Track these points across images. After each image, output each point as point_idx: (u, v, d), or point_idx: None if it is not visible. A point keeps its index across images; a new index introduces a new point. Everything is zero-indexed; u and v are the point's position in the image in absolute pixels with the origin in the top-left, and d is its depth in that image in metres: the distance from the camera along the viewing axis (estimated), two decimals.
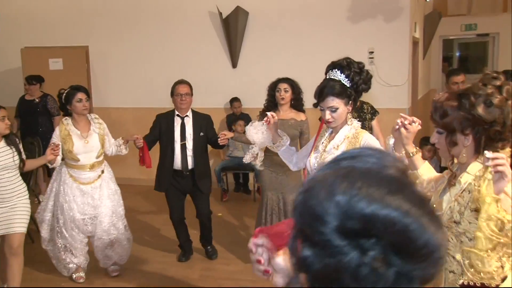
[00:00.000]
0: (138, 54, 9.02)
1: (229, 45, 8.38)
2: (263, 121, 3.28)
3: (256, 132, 3.28)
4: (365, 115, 5.19)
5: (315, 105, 3.09)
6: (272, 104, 5.32)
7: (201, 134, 5.34)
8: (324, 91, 2.97)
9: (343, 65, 2.99)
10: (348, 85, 3.00)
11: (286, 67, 7.91)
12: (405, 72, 8.05)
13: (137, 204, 8.19)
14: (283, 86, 5.29)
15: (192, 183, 5.48)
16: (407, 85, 8.06)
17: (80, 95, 5.04)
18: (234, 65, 8.54)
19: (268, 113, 3.23)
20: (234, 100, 8.43)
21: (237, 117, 8.39)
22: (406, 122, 2.43)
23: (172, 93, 5.38)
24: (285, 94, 5.24)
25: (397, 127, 2.50)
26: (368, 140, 2.98)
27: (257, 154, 3.41)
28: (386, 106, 7.72)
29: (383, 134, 5.13)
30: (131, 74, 9.12)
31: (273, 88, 5.34)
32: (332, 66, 3.05)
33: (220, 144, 5.13)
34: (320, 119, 3.99)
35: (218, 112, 8.55)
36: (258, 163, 3.50)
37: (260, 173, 5.53)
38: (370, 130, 5.17)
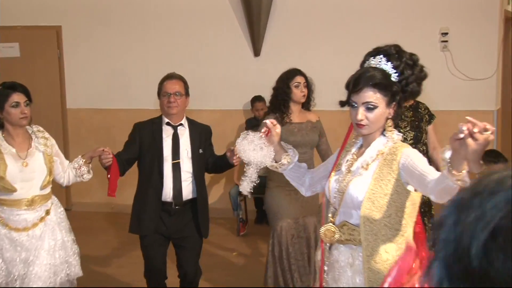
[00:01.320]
0: (129, 39, 7.77)
1: (250, 27, 7.27)
2: (260, 133, 2.64)
3: (254, 148, 2.63)
4: (421, 115, 4.52)
5: (343, 103, 2.53)
6: (280, 102, 4.71)
7: (200, 151, 4.37)
8: (360, 79, 2.42)
9: (391, 52, 2.46)
10: (395, 79, 2.44)
11: (324, 57, 7.03)
12: (492, 61, 6.88)
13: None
14: (302, 80, 4.75)
15: (184, 222, 4.40)
16: (495, 79, 6.91)
17: (17, 97, 3.99)
18: (256, 53, 7.36)
19: (267, 121, 2.65)
20: (256, 100, 7.10)
21: (260, 121, 6.54)
22: (475, 130, 1.85)
23: (159, 93, 4.41)
24: (305, 90, 4.74)
25: (461, 135, 1.89)
26: (411, 157, 2.37)
27: (256, 180, 2.70)
28: (465, 107, 6.70)
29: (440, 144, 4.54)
30: (120, 66, 7.72)
31: (286, 82, 4.72)
32: (376, 52, 2.50)
33: (234, 163, 4.15)
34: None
35: (235, 115, 7.43)
36: (244, 189, 2.71)
37: (269, 193, 4.80)
38: (426, 135, 4.56)
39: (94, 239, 6.73)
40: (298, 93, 4.70)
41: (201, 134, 4.44)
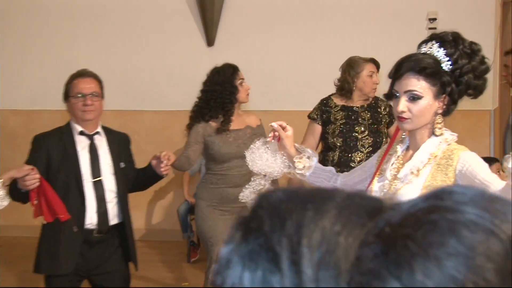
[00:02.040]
0: (70, 27, 7.21)
1: (202, 12, 7.05)
2: (267, 138, 2.63)
3: (260, 157, 2.58)
4: (380, 116, 4.45)
5: (388, 95, 2.44)
6: (222, 106, 4.37)
7: (122, 165, 4.04)
8: (403, 64, 2.34)
9: (446, 38, 2.38)
10: (447, 68, 2.34)
11: (290, 47, 6.79)
12: (488, 52, 5.88)
13: None
14: (242, 75, 4.51)
15: (108, 254, 4.01)
16: (492, 74, 5.78)
17: None
18: (209, 42, 7.11)
19: (274, 124, 2.61)
20: None
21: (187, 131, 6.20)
22: None
23: (67, 94, 4.02)
24: (248, 87, 4.51)
25: None
26: (470, 163, 2.29)
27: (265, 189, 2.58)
28: (457, 107, 5.40)
29: None
30: (55, 58, 7.16)
31: (231, 80, 4.42)
32: (429, 38, 2.43)
33: (162, 173, 3.94)
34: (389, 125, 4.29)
35: (185, 117, 6.27)
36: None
37: (200, 214, 4.49)
38: (387, 139, 4.41)
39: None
40: (244, 91, 4.44)
41: (120, 144, 4.13)
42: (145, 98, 6.89)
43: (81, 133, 3.98)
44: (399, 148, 2.52)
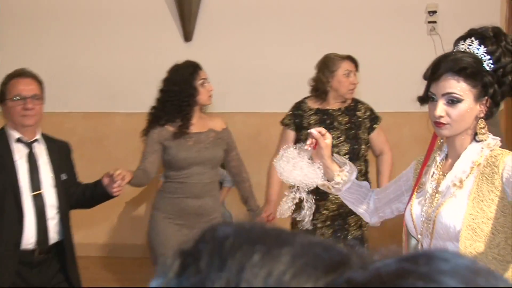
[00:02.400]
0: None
1: (179, 5, 6.71)
2: (305, 145, 2.47)
3: (294, 166, 2.45)
4: (359, 121, 4.22)
5: (422, 99, 2.32)
6: (182, 109, 4.08)
7: (64, 177, 3.77)
8: (441, 64, 2.21)
9: (487, 34, 2.26)
10: (488, 67, 2.22)
11: (274, 43, 6.44)
12: None
13: None
14: (206, 75, 4.22)
15: (50, 276, 3.72)
16: None
17: None
18: (187, 37, 6.75)
19: (313, 130, 2.47)
20: None
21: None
22: None
23: (3, 96, 3.69)
24: (210, 88, 4.24)
25: None
26: None
27: (305, 205, 2.54)
28: None
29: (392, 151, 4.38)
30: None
31: (190, 80, 4.12)
32: (467, 34, 2.30)
33: (113, 193, 3.66)
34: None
35: None
36: (307, 222, 2.59)
37: (153, 226, 4.13)
38: (366, 146, 4.26)
39: None
40: (206, 93, 4.14)
41: (60, 154, 3.87)
42: (115, 99, 6.47)
43: (18, 140, 3.70)
44: (438, 158, 2.39)
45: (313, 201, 2.59)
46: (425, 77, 2.29)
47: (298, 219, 2.68)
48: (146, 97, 6.22)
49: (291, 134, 4.12)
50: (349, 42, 5.73)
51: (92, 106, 6.32)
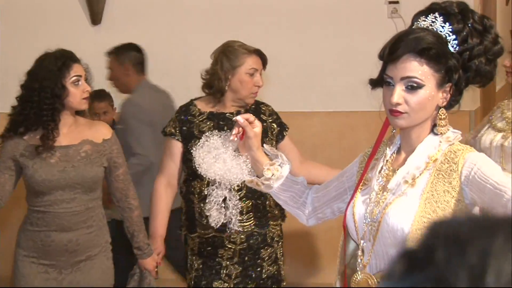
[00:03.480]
0: None
1: None
2: (231, 134, 2.31)
3: (216, 158, 2.35)
4: (265, 125, 3.53)
5: (374, 81, 2.20)
6: (43, 114, 3.35)
7: None
8: (401, 43, 2.08)
9: (451, 11, 2.15)
10: (454, 49, 2.12)
11: (198, 28, 5.80)
12: None
13: None
14: (82, 70, 3.55)
15: None
16: None
17: None
18: (95, 19, 6.08)
19: (239, 117, 2.27)
20: (96, 98, 5.10)
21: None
22: None
23: None
24: (86, 88, 3.61)
25: None
26: (479, 165, 2.07)
27: (229, 204, 2.54)
28: None
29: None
30: None
31: (58, 77, 3.39)
32: (429, 9, 2.20)
33: None
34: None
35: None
36: (234, 223, 2.61)
37: (16, 266, 3.51)
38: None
39: None
40: (79, 94, 3.49)
41: None
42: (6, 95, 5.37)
43: None
44: (388, 151, 2.30)
45: (238, 199, 2.39)
46: (381, 57, 2.14)
47: (223, 221, 2.55)
48: None
49: (177, 146, 3.45)
50: (291, 30, 5.16)
51: None
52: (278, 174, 2.34)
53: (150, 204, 3.59)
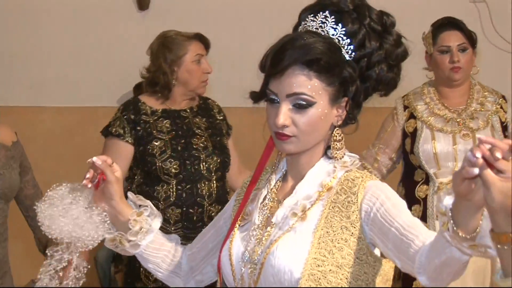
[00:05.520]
0: None
1: None
2: (84, 181, 2.00)
3: (77, 216, 1.99)
4: (216, 123, 3.52)
5: (256, 95, 1.98)
6: None
7: None
8: (285, 52, 1.88)
9: (345, 8, 1.95)
10: (349, 56, 1.93)
11: (252, 14, 5.66)
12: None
13: None
14: None
15: None
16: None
17: None
18: (141, 5, 5.84)
19: (94, 158, 2.01)
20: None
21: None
22: (497, 155, 1.45)
23: None
24: None
25: (474, 171, 1.46)
26: (381, 200, 1.83)
27: (72, 273, 2.04)
28: None
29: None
30: None
31: None
32: (319, 6, 1.98)
33: None
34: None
35: (105, 115, 5.09)
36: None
37: None
38: (223, 156, 3.52)
39: None
40: None
41: None
42: (42, 90, 5.49)
43: None
44: (273, 177, 2.02)
45: (85, 268, 2.09)
46: (262, 68, 1.92)
47: None
48: (88, 87, 5.62)
49: (127, 148, 3.26)
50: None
51: (13, 100, 5.45)
52: (147, 227, 2.04)
53: None
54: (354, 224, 1.82)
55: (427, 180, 3.37)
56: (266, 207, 1.99)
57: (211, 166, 3.29)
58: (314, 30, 1.90)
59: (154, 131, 3.33)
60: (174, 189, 3.21)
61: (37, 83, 5.56)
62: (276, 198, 1.99)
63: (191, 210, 3.11)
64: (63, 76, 5.67)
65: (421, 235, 1.68)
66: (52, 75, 5.62)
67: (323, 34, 1.89)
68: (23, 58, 5.54)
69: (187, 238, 3.03)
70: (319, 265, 1.80)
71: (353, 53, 1.90)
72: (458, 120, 3.50)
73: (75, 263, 2.03)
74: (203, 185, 3.23)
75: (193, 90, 3.33)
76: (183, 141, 3.27)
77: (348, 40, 1.91)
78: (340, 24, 1.90)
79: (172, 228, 3.17)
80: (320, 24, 1.92)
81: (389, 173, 3.56)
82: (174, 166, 3.23)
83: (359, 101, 1.94)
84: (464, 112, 3.55)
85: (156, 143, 3.24)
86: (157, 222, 2.08)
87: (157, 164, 3.21)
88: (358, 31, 1.91)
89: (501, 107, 3.66)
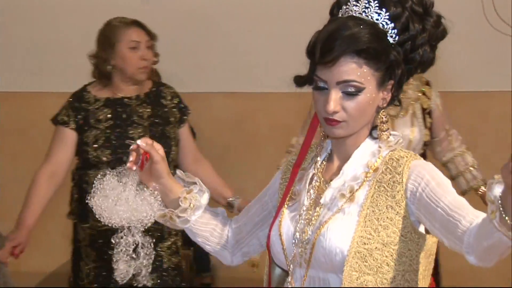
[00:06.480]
0: None
1: None
2: (128, 165, 2.01)
3: (130, 200, 2.03)
4: (166, 112, 3.43)
5: (301, 80, 1.96)
6: None
7: None
8: (335, 41, 1.85)
9: None
10: (393, 39, 1.91)
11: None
12: None
13: None
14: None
15: None
16: None
17: None
18: None
19: (139, 141, 1.97)
20: None
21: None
22: None
23: None
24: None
25: None
26: (427, 180, 1.83)
27: (140, 252, 2.10)
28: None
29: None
30: None
31: None
32: None
33: None
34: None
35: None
36: (144, 276, 2.13)
37: None
38: (177, 148, 3.50)
39: None
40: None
41: None
42: (44, 74, 5.43)
43: None
44: (319, 158, 2.02)
45: (152, 245, 2.14)
46: (310, 56, 1.90)
47: (132, 273, 2.18)
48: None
49: (71, 135, 3.24)
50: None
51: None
52: (197, 204, 2.07)
53: (27, 192, 3.33)
54: (399, 203, 1.84)
55: None
56: (314, 188, 2.02)
57: None
58: (357, 15, 1.91)
59: (92, 120, 3.31)
60: (102, 175, 3.10)
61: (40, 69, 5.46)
62: (322, 179, 2.01)
63: None
64: (70, 63, 5.53)
65: (468, 215, 1.70)
66: (58, 61, 5.54)
67: (366, 19, 1.91)
68: (28, 44, 5.45)
69: None
70: (365, 243, 1.84)
71: (397, 37, 1.91)
72: None
73: (140, 242, 2.10)
74: None
75: (130, 77, 3.27)
76: (118, 130, 3.24)
77: (392, 24, 1.92)
78: (383, 9, 1.91)
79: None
80: (364, 9, 1.93)
81: None
82: (106, 155, 3.21)
83: (402, 83, 1.96)
84: None
85: (91, 133, 3.22)
86: (205, 197, 2.11)
87: (90, 153, 3.21)
88: (401, 14, 1.91)
89: (424, 94, 3.61)
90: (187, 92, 5.42)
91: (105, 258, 3.13)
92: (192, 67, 5.65)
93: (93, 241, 3.22)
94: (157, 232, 3.18)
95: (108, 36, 3.26)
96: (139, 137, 3.17)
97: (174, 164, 3.34)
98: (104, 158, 3.19)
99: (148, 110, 3.35)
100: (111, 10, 5.02)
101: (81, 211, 3.22)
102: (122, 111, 3.30)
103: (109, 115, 3.30)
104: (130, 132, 3.24)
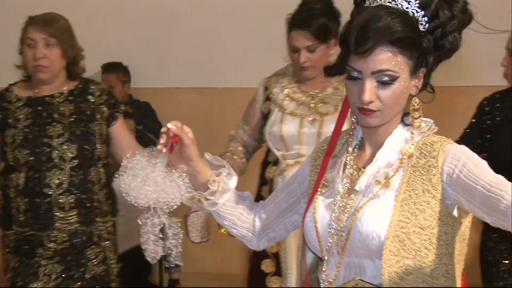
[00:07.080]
0: None
1: None
2: (158, 147, 1.99)
3: (153, 182, 1.98)
4: (91, 109, 3.28)
5: (333, 70, 1.99)
6: None
7: None
8: (369, 32, 1.83)
9: None
10: (423, 27, 1.89)
11: None
12: None
13: None
14: None
15: None
16: None
17: None
18: None
19: (169, 124, 1.99)
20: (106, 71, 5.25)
21: None
22: None
23: None
24: None
25: None
26: (464, 161, 1.83)
27: (168, 233, 2.06)
28: (482, 82, 5.21)
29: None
30: None
31: None
32: None
33: None
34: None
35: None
36: (175, 255, 2.09)
37: None
38: (105, 145, 3.32)
39: None
40: None
41: None
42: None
43: None
44: (350, 147, 2.00)
45: (179, 225, 2.09)
46: (344, 45, 1.90)
47: (161, 253, 2.12)
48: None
49: None
50: None
51: None
52: (225, 187, 2.04)
53: None
54: (436, 187, 1.83)
55: (277, 161, 3.30)
56: (347, 175, 2.00)
57: (64, 154, 3.10)
58: (386, 4, 1.89)
59: (10, 120, 3.18)
60: (23, 178, 3.06)
61: None
62: (355, 166, 1.99)
63: (37, 200, 2.96)
64: None
65: (509, 189, 1.69)
66: None
67: (396, 7, 1.89)
68: None
69: (36, 229, 3.00)
70: (402, 227, 1.81)
71: (427, 25, 1.89)
72: (311, 104, 3.36)
73: (167, 223, 2.05)
74: (53, 174, 3.06)
75: (30, 76, 3.16)
76: (37, 129, 3.10)
77: (422, 12, 1.89)
78: None
79: (22, 218, 3.06)
80: None
81: (254, 152, 3.46)
82: (23, 155, 3.08)
83: (432, 70, 1.95)
84: (317, 96, 3.41)
85: (10, 132, 3.11)
86: (234, 181, 2.09)
87: (9, 152, 3.10)
88: (431, 2, 1.90)
89: None
90: (154, 87, 5.34)
91: (27, 263, 3.07)
92: (159, 62, 5.40)
93: (17, 247, 3.10)
94: (81, 240, 3.14)
95: (21, 35, 3.18)
96: (58, 136, 3.10)
97: (103, 162, 3.26)
98: (22, 159, 3.07)
99: (71, 107, 3.21)
100: (73, 8, 4.94)
101: (5, 218, 3.11)
102: (43, 110, 3.17)
103: (28, 114, 3.16)
104: (49, 130, 3.11)
